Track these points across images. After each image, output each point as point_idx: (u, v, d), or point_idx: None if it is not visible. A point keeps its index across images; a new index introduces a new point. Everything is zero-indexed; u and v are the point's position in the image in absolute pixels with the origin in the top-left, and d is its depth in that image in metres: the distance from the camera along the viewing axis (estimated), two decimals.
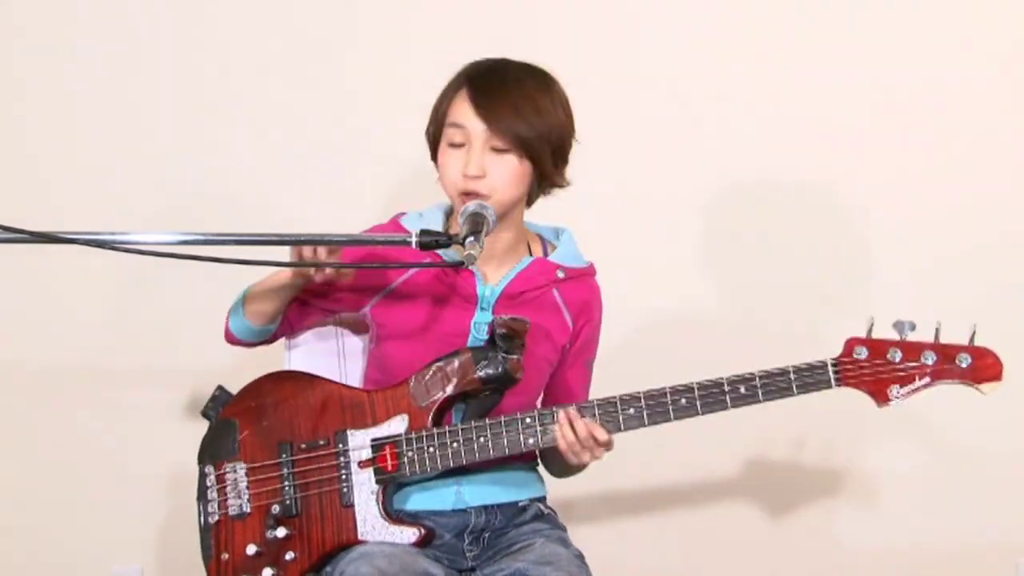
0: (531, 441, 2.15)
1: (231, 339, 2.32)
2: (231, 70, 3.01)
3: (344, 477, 2.18)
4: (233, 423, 2.24)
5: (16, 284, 2.98)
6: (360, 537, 2.16)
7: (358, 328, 2.38)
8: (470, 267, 2.04)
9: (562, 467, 2.30)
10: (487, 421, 2.15)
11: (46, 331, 3.01)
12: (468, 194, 2.15)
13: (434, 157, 2.25)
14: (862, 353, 2.10)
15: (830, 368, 2.11)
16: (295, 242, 2.05)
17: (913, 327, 2.07)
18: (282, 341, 2.36)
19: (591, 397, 2.25)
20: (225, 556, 2.20)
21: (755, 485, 3.08)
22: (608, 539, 3.07)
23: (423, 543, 2.16)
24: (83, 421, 3.01)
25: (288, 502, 2.18)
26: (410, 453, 2.16)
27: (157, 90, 3.00)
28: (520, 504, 2.28)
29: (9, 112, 3.00)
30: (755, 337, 2.96)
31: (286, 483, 2.19)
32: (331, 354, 2.38)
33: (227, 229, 1.97)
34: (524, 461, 2.30)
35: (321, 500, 2.19)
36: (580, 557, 2.20)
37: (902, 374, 2.09)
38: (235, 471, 2.21)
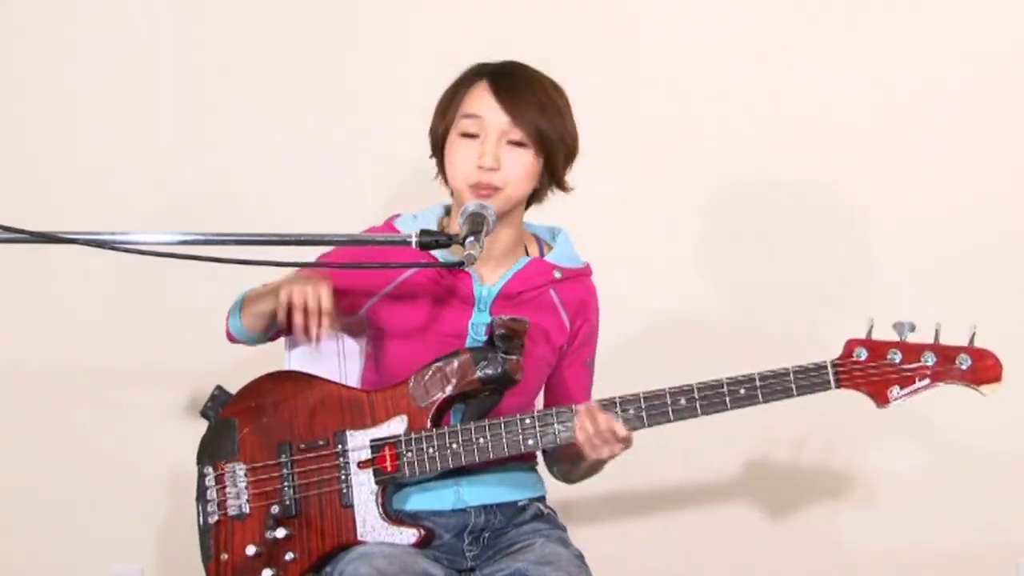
0: (531, 442, 2.14)
1: (231, 339, 2.32)
2: (231, 70, 3.02)
3: (343, 478, 2.18)
4: (232, 423, 2.23)
5: (16, 284, 2.99)
6: (359, 538, 2.16)
7: (357, 330, 2.37)
8: (469, 267, 2.04)
9: (577, 468, 2.29)
10: (486, 422, 2.15)
11: (46, 331, 3.01)
12: (478, 186, 2.15)
13: (436, 152, 2.25)
14: (862, 354, 2.10)
15: (830, 369, 2.11)
16: (295, 242, 2.04)
17: (913, 328, 2.07)
18: (282, 341, 2.36)
19: (592, 398, 2.25)
20: (224, 557, 2.20)
21: (755, 485, 3.08)
22: (608, 539, 3.07)
23: (423, 543, 2.16)
24: (83, 421, 3.01)
25: (288, 502, 2.18)
26: (409, 454, 2.16)
27: (157, 90, 3.00)
28: (519, 504, 2.28)
29: (9, 112, 3.00)
30: (755, 337, 2.97)
31: (285, 484, 2.19)
32: (331, 355, 2.38)
33: (227, 229, 1.97)
34: (523, 461, 2.30)
35: (320, 501, 2.18)
36: (580, 557, 2.20)
37: (902, 375, 2.09)
38: (234, 471, 2.21)
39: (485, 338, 2.18)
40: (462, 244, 1.99)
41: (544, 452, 2.36)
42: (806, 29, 3.04)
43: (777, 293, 3.06)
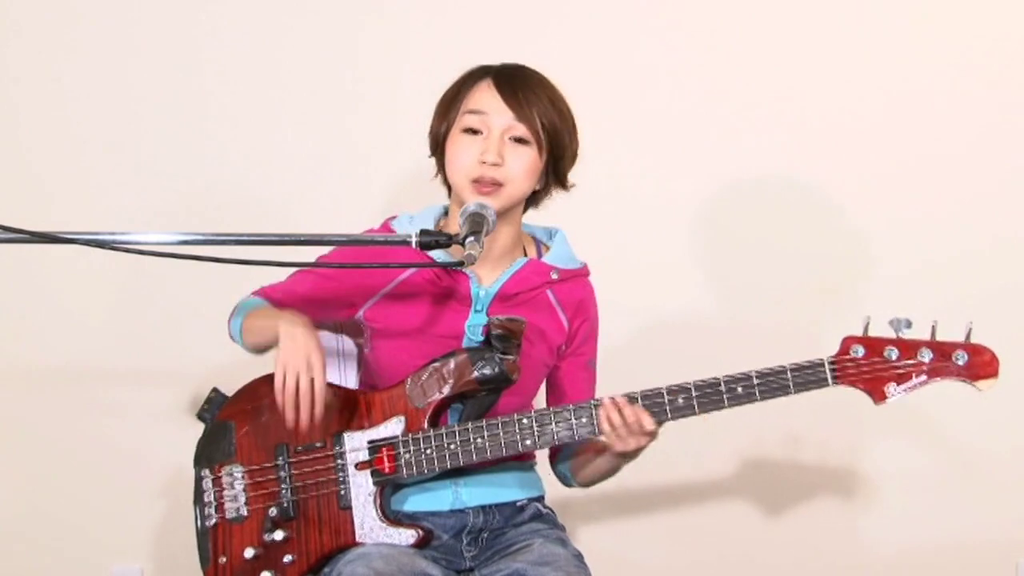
0: (528, 442, 2.14)
1: (232, 339, 2.33)
2: (231, 71, 3.02)
3: (341, 479, 2.18)
4: (229, 425, 2.23)
5: (16, 284, 2.99)
6: (358, 539, 2.16)
7: (355, 332, 2.37)
8: (468, 267, 2.03)
9: (597, 468, 2.27)
10: (484, 422, 2.15)
11: (46, 331, 3.01)
12: (480, 181, 2.15)
13: (437, 151, 2.26)
14: (859, 351, 2.10)
15: (827, 367, 2.10)
16: (295, 242, 2.04)
17: (909, 324, 2.07)
18: None
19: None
20: (223, 560, 2.20)
21: (754, 484, 3.08)
22: (607, 538, 3.07)
23: (421, 544, 2.16)
24: (83, 421, 3.01)
25: (285, 505, 2.18)
26: (407, 455, 2.16)
27: (157, 90, 3.00)
28: (518, 504, 2.27)
29: (9, 112, 3.00)
30: (752, 338, 2.96)
31: (283, 486, 2.19)
32: (330, 357, 2.38)
33: (227, 229, 1.97)
34: (522, 461, 2.30)
35: (319, 502, 2.18)
36: (579, 557, 2.20)
37: (899, 372, 2.09)
38: (231, 474, 2.21)
39: (482, 338, 2.18)
40: (462, 244, 1.98)
41: (558, 461, 2.35)
42: (801, 30, 3.04)
43: (774, 293, 3.06)
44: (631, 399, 2.12)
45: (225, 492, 2.21)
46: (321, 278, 2.26)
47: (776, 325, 3.00)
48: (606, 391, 2.17)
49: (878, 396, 2.10)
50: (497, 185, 2.15)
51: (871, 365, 2.09)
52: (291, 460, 2.19)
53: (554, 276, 2.25)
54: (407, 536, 2.16)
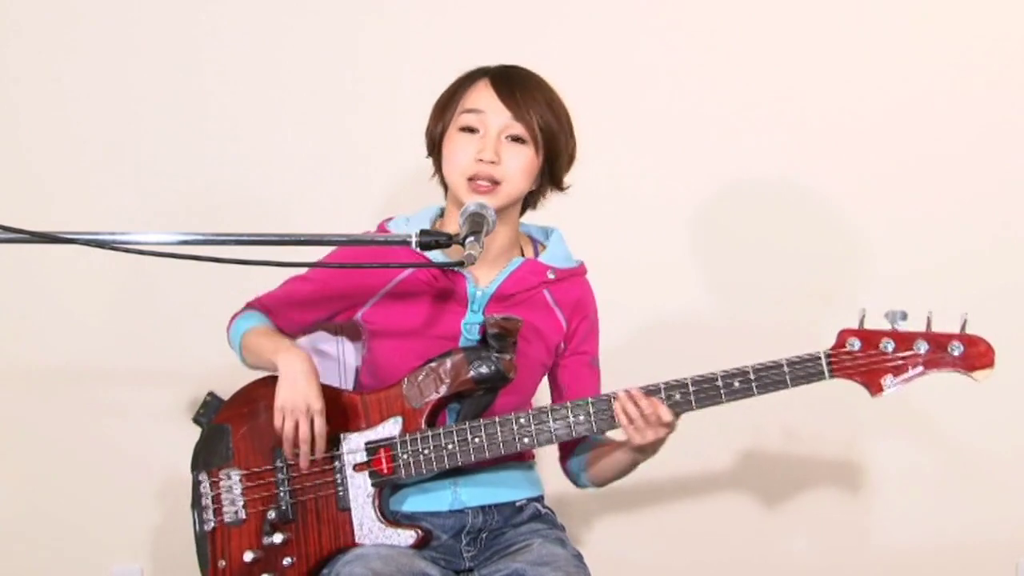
0: (526, 440, 2.14)
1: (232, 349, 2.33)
2: (231, 72, 3.01)
3: (339, 481, 2.18)
4: (226, 429, 2.23)
5: (16, 284, 2.98)
6: (357, 541, 2.16)
7: (354, 333, 2.37)
8: (467, 267, 2.03)
9: (614, 465, 2.26)
10: (481, 421, 2.15)
11: (46, 331, 3.01)
12: (477, 178, 2.15)
13: (434, 151, 2.26)
14: (855, 344, 2.10)
15: (823, 360, 2.11)
16: (295, 242, 2.04)
17: (904, 316, 2.07)
18: None
19: None
20: (222, 563, 2.20)
21: (753, 483, 3.08)
22: (607, 538, 3.07)
23: (421, 544, 2.16)
24: (83, 421, 3.01)
25: (284, 507, 2.18)
26: (405, 455, 2.16)
27: (157, 91, 3.00)
28: (517, 504, 2.27)
29: (9, 112, 2.99)
30: (750, 337, 2.95)
31: (281, 488, 2.19)
32: (330, 358, 2.37)
33: (227, 229, 1.97)
34: (521, 460, 2.30)
35: (317, 504, 2.18)
36: (578, 557, 2.20)
37: (895, 364, 2.09)
38: (229, 477, 2.21)
39: (478, 338, 2.18)
40: (462, 244, 1.98)
41: (572, 456, 2.34)
42: (800, 30, 3.04)
43: (774, 294, 3.05)
44: (648, 391, 2.11)
45: (223, 496, 2.21)
46: (317, 283, 2.27)
47: (775, 325, 3.00)
48: (606, 391, 2.17)
49: (875, 388, 2.10)
50: (494, 184, 2.15)
51: (867, 357, 2.10)
52: (289, 463, 2.18)
53: (551, 276, 2.25)
54: (406, 537, 2.15)
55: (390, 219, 2.30)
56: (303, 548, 2.18)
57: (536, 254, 2.29)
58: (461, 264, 1.98)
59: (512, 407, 2.18)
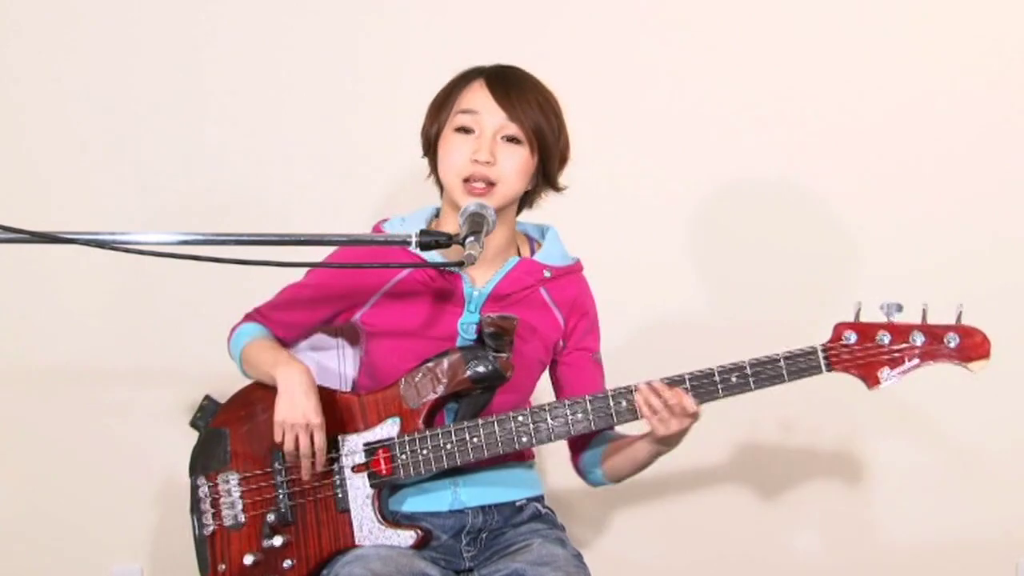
0: (525, 439, 2.14)
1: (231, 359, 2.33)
2: (231, 72, 3.01)
3: (338, 482, 2.18)
4: (223, 432, 2.23)
5: (16, 284, 2.99)
6: (357, 542, 2.16)
7: (352, 335, 2.37)
8: (466, 267, 2.03)
9: (634, 458, 2.25)
10: (479, 420, 2.15)
11: (46, 331, 3.01)
12: (472, 179, 2.15)
13: (429, 151, 2.25)
14: (851, 338, 2.11)
15: (820, 353, 2.11)
16: (295, 242, 2.04)
17: (900, 308, 2.07)
18: None
19: None
20: (222, 567, 2.20)
21: (753, 483, 3.08)
22: (607, 538, 3.07)
23: (420, 545, 2.16)
24: (83, 421, 3.01)
25: (283, 510, 2.18)
26: (404, 456, 2.16)
27: (157, 91, 3.00)
28: (517, 504, 2.27)
29: (9, 112, 2.99)
30: (747, 336, 2.93)
31: (280, 491, 2.19)
32: (330, 359, 2.37)
33: (227, 229, 1.98)
34: (520, 460, 2.30)
35: (316, 506, 2.18)
36: (578, 557, 2.20)
37: (891, 356, 2.09)
38: (227, 481, 2.21)
39: (475, 337, 2.18)
40: (462, 244, 1.98)
41: (587, 449, 2.32)
42: (800, 30, 3.04)
43: (773, 293, 3.05)
44: (672, 383, 2.11)
45: (222, 499, 2.21)
46: (314, 287, 2.27)
47: (774, 325, 2.99)
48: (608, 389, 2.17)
49: (872, 381, 2.11)
50: (489, 184, 2.15)
51: (864, 350, 2.10)
52: (287, 465, 2.18)
53: (547, 274, 2.25)
54: (406, 537, 2.15)
55: (385, 220, 2.30)
56: (303, 550, 2.18)
57: (532, 253, 2.29)
58: (461, 264, 1.98)
59: (510, 406, 2.18)
